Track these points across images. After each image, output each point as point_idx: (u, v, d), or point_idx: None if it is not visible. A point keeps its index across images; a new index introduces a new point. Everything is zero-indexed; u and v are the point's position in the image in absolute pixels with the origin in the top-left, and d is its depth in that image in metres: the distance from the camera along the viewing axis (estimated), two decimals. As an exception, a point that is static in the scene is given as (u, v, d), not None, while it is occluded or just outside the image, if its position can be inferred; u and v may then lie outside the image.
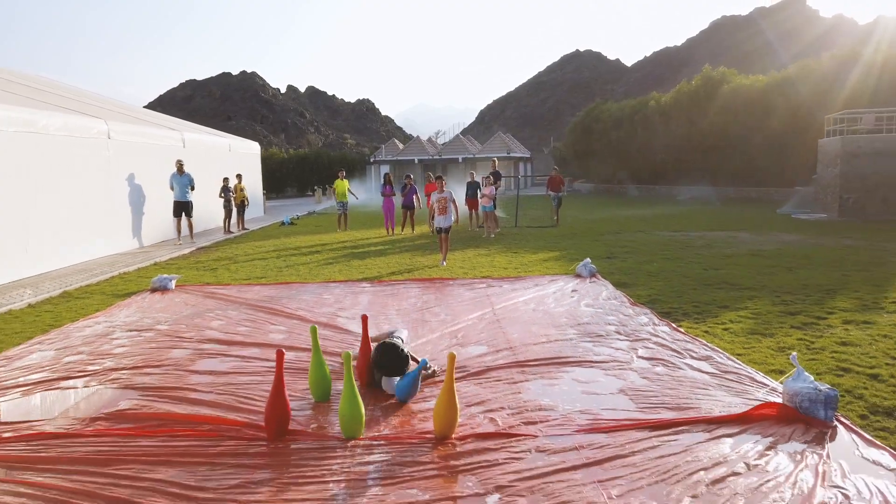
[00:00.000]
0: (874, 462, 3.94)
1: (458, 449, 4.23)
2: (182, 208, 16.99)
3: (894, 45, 30.33)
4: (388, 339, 5.55)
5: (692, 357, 6.14)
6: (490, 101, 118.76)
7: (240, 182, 21.05)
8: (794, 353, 5.00)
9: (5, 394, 5.54)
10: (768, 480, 3.73)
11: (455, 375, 4.81)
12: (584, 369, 5.91)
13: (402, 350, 5.32)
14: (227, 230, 20.44)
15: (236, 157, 24.62)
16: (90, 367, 6.22)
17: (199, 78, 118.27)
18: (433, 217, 18.39)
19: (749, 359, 6.11)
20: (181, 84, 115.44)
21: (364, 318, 5.78)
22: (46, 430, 4.66)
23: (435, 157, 59.53)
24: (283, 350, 4.93)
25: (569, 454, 4.11)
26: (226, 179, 20.34)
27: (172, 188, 16.71)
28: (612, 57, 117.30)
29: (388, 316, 8.23)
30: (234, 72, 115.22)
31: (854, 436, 4.29)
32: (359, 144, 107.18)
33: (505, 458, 4.07)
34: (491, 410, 4.90)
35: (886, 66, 26.74)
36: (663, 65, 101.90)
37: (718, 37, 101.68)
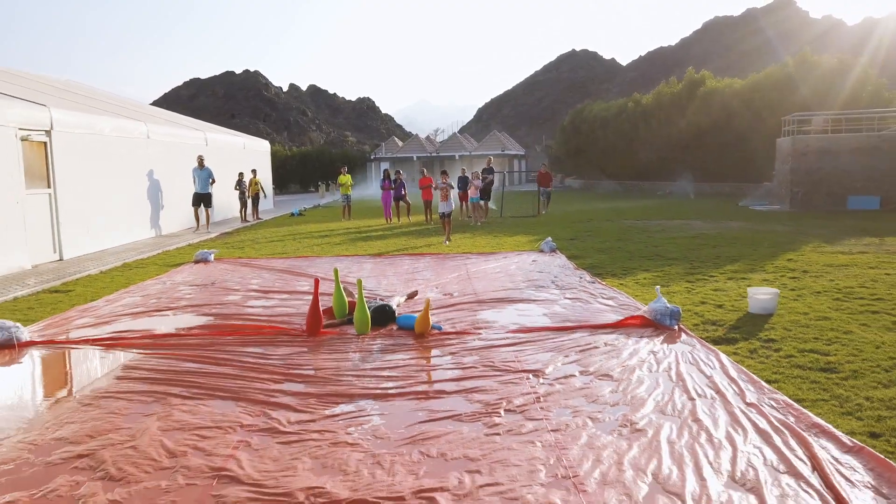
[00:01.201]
0: (687, 344, 6.40)
1: (428, 340, 6.71)
2: (202, 199, 19.09)
3: (848, 49, 32.77)
4: (383, 304, 7.66)
5: (602, 297, 8.63)
6: (488, 100, 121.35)
7: (255, 176, 23.50)
8: (658, 287, 7.49)
9: (121, 318, 8.03)
10: (617, 352, 6.21)
11: (431, 308, 7.28)
12: (523, 304, 8.39)
13: (389, 307, 7.48)
14: (244, 219, 22.91)
15: (250, 154, 27.10)
16: (173, 305, 8.72)
17: (203, 77, 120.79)
18: (430, 209, 20.86)
19: (642, 298, 8.59)
20: (185, 83, 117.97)
21: (316, 281, 7.21)
22: (163, 332, 7.16)
23: (433, 155, 61.98)
24: (318, 278, 7.41)
25: (499, 342, 6.59)
26: (241, 174, 22.80)
27: (195, 181, 18.99)
28: (607, 56, 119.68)
29: (386, 276, 10.73)
30: (238, 71, 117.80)
31: (684, 334, 6.76)
32: (359, 142, 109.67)
33: (457, 343, 6.56)
34: (454, 323, 7.39)
35: (841, 70, 29.25)
36: (657, 64, 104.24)
37: (711, 37, 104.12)
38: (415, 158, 61.21)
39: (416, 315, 7.08)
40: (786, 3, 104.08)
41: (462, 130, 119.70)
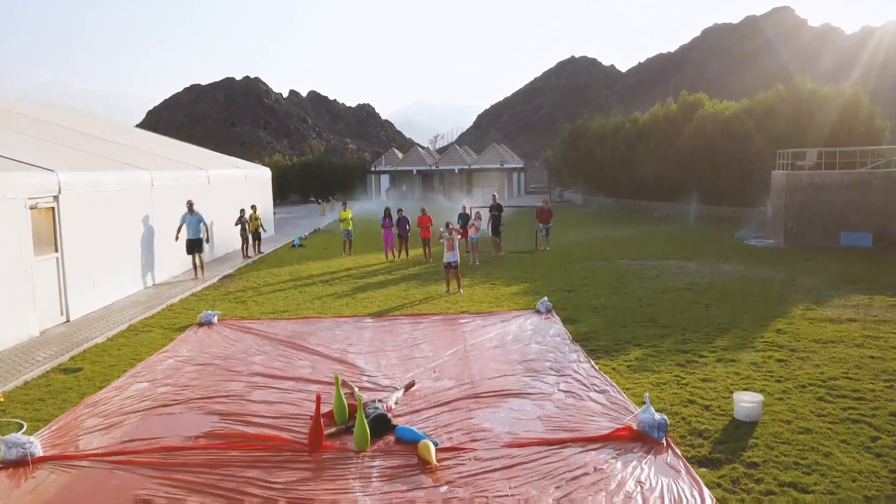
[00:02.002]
0: (674, 468, 6.69)
1: (425, 466, 7.01)
2: (194, 245, 18.56)
3: (846, 58, 33.04)
4: (378, 410, 7.90)
5: (595, 391, 8.92)
6: (487, 106, 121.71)
7: (255, 211, 23.78)
8: (647, 394, 7.79)
9: (129, 417, 8.33)
10: (605, 482, 6.51)
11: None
12: (518, 400, 8.69)
13: (387, 417, 7.74)
14: (246, 255, 23.21)
15: (251, 185, 27.41)
16: (179, 397, 9.01)
17: (203, 83, 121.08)
18: (428, 246, 21.16)
19: (632, 392, 8.88)
20: (186, 89, 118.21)
21: (317, 398, 7.46)
22: (171, 444, 7.46)
23: (432, 168, 62.27)
24: (320, 395, 7.71)
25: (493, 462, 6.88)
26: (242, 211, 23.09)
27: (183, 227, 18.29)
28: (606, 63, 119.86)
29: (385, 352, 11.02)
30: (238, 77, 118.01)
31: (671, 452, 7.05)
32: (359, 149, 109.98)
33: (454, 464, 6.85)
34: (450, 431, 7.69)
35: (835, 98, 29.57)
36: (656, 70, 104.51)
37: (710, 43, 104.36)
38: (414, 172, 61.58)
39: (416, 429, 7.38)
40: (784, 10, 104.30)
41: (461, 137, 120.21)
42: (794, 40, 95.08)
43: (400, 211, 22.33)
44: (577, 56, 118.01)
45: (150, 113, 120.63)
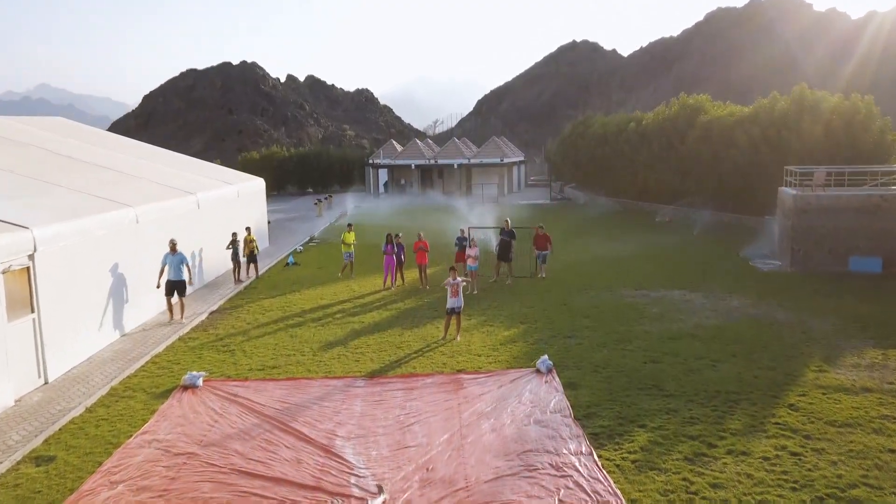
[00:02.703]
0: None
1: None
2: (175, 287, 17.17)
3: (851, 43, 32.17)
4: None
5: (598, 501, 8.35)
6: (489, 84, 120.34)
7: (249, 234, 23.10)
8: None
9: (99, 542, 7.76)
10: None
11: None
12: (515, 516, 8.13)
13: None
14: (237, 279, 22.58)
15: (243, 200, 26.70)
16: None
17: (200, 67, 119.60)
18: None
19: (638, 485, 8.32)
20: (182, 73, 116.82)
21: None
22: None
23: (431, 163, 61.41)
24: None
25: None
26: (234, 234, 22.42)
27: (166, 267, 17.08)
28: (608, 47, 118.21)
29: (376, 437, 10.45)
30: (235, 61, 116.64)
31: None
32: (358, 136, 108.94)
33: None
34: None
35: (842, 108, 28.75)
36: (659, 56, 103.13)
37: (713, 28, 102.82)
38: (413, 167, 60.67)
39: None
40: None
41: (461, 123, 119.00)
42: (797, 24, 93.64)
43: (397, 236, 21.63)
44: (578, 41, 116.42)
45: (146, 98, 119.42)
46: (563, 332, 15.87)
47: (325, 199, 51.88)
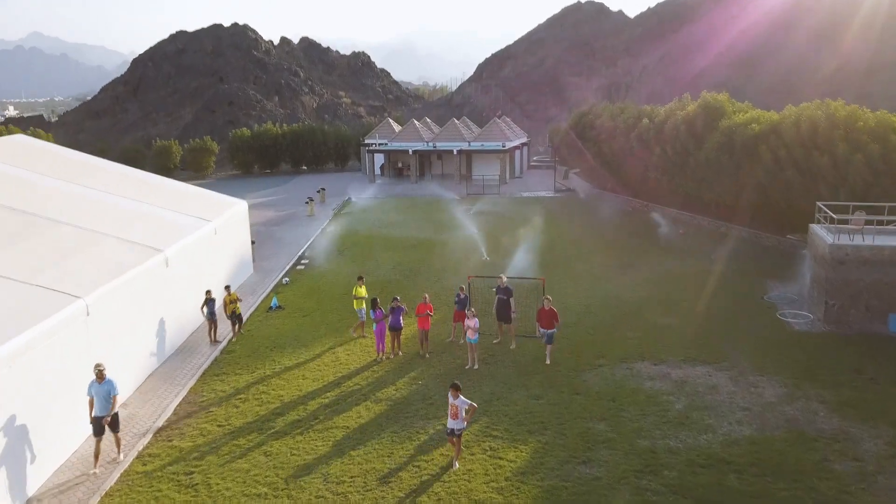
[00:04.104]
0: None
1: None
2: (100, 425, 13.47)
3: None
4: None
5: None
6: (489, 54, 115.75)
7: (229, 293, 20.86)
8: None
9: None
10: None
11: None
12: None
13: None
14: (214, 340, 20.49)
15: (222, 238, 24.40)
16: None
17: (190, 29, 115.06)
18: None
19: None
20: (171, 36, 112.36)
21: None
22: None
23: (430, 148, 58.66)
24: None
25: None
26: (208, 293, 20.24)
27: (92, 402, 13.56)
28: (614, 8, 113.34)
29: None
30: (226, 23, 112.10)
31: None
32: (354, 103, 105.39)
33: None
34: None
35: (876, 125, 26.17)
36: (666, 19, 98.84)
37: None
38: (410, 152, 57.95)
39: None
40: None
41: (460, 88, 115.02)
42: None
43: (395, 300, 19.37)
44: (583, 1, 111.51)
45: (135, 61, 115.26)
46: (577, 453, 13.83)
47: (319, 191, 49.33)
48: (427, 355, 19.26)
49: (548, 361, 18.33)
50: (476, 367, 18.33)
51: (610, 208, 42.76)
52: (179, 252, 20.38)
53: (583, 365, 18.36)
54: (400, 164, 62.66)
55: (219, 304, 20.84)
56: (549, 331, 18.36)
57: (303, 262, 30.80)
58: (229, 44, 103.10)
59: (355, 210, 44.08)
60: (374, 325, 19.14)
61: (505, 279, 20.20)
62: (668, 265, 28.23)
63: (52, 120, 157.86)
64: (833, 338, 20.01)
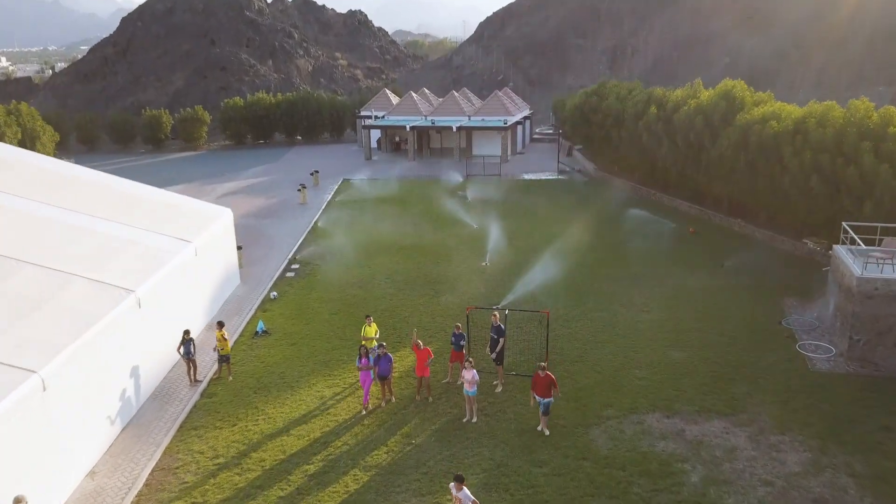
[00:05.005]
0: None
1: None
2: None
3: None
4: None
5: None
6: (490, 13, 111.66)
7: (220, 329, 19.34)
8: None
9: None
10: None
11: None
12: None
13: None
14: (194, 381, 19.10)
15: (205, 258, 22.81)
16: None
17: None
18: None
19: None
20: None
21: None
22: None
23: (428, 122, 56.44)
24: None
25: None
26: (185, 333, 18.75)
27: None
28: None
29: None
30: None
31: None
32: (351, 65, 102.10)
33: None
34: None
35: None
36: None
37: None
38: (408, 128, 55.75)
39: None
40: None
41: (460, 50, 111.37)
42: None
43: (382, 346, 17.91)
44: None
45: (124, 20, 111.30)
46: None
47: (312, 174, 47.44)
48: (430, 399, 17.93)
49: (546, 433, 16.20)
50: (475, 419, 16.99)
51: (616, 196, 40.63)
52: (154, 289, 18.83)
53: (589, 417, 17.02)
54: (397, 139, 60.55)
55: (202, 341, 19.43)
56: (546, 400, 16.11)
57: (293, 267, 29.24)
58: (221, 2, 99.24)
59: (348, 200, 42.17)
60: (360, 373, 17.69)
61: (499, 317, 18.68)
62: (678, 277, 26.57)
63: (46, 73, 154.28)
64: (858, 382, 18.58)
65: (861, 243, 20.71)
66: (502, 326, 18.47)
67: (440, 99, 63.16)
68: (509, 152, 54.91)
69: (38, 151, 56.40)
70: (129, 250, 20.21)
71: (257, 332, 22.43)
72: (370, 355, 17.60)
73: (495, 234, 32.80)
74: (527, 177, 48.12)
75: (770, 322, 22.40)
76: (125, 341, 17.05)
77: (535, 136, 66.24)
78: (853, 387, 18.33)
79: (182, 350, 18.76)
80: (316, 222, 36.64)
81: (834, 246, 21.96)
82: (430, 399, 17.98)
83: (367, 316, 19.86)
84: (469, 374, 16.71)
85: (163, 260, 20.35)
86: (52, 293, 16.55)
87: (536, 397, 16.30)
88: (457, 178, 47.64)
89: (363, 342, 18.89)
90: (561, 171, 48.98)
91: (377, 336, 19.38)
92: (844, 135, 24.87)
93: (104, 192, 23.99)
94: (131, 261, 19.56)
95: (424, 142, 59.46)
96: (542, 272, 26.94)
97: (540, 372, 16.08)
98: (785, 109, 29.47)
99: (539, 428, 16.33)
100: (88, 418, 15.12)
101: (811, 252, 28.04)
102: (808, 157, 25.61)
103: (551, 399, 16.20)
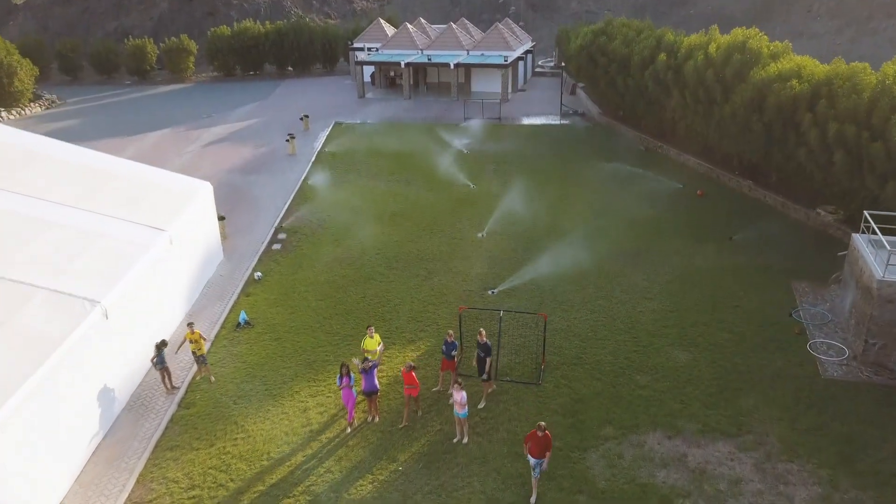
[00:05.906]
0: None
1: None
2: None
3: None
4: None
5: None
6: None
7: (192, 331, 18.19)
8: None
9: None
10: None
11: None
12: None
13: None
14: (171, 388, 18.11)
15: (181, 246, 21.37)
16: None
17: None
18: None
19: None
20: None
21: None
22: None
23: (424, 59, 53.54)
24: None
25: None
26: (160, 344, 17.53)
27: None
28: None
29: None
30: None
31: None
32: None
33: None
34: None
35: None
36: None
37: None
38: (402, 65, 52.90)
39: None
40: None
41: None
42: None
43: (365, 360, 16.77)
44: None
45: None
46: None
47: (302, 118, 45.17)
48: (419, 412, 16.96)
49: (533, 500, 14.25)
50: (465, 440, 16.06)
51: (620, 154, 38.15)
52: (124, 294, 17.53)
53: (587, 438, 16.07)
54: (392, 73, 57.73)
55: (174, 344, 18.42)
56: (540, 460, 14.08)
57: (279, 237, 27.80)
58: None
59: (339, 151, 40.12)
60: (342, 391, 16.59)
61: (485, 333, 17.34)
62: (684, 255, 25.11)
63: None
64: (873, 393, 17.51)
65: (880, 234, 19.15)
66: (489, 344, 17.16)
67: (438, 28, 59.86)
68: (510, 90, 52.31)
69: (17, 88, 54.25)
70: (95, 245, 18.78)
71: (239, 324, 21.31)
72: (351, 374, 16.44)
73: (492, 198, 31.19)
74: (527, 121, 45.85)
75: (780, 313, 21.17)
76: (92, 360, 15.93)
77: (538, 69, 63.21)
78: (867, 399, 17.28)
79: (156, 360, 17.67)
80: (304, 180, 34.90)
81: (853, 235, 20.47)
82: (420, 413, 17.03)
83: (369, 326, 18.30)
84: (459, 396, 15.65)
85: (134, 256, 18.94)
86: (6, 313, 15.27)
87: (532, 460, 14.17)
88: (454, 122, 45.43)
89: (365, 354, 17.55)
90: (563, 115, 46.61)
91: (381, 348, 18.02)
92: (876, 105, 22.78)
93: (66, 171, 22.22)
94: (97, 260, 18.15)
95: (421, 76, 56.70)
96: (540, 249, 25.59)
97: (538, 431, 13.98)
98: (808, 65, 27.19)
99: (532, 500, 14.25)
100: (50, 454, 14.15)
101: (824, 223, 26.55)
102: (833, 128, 23.64)
103: (544, 463, 14.05)
